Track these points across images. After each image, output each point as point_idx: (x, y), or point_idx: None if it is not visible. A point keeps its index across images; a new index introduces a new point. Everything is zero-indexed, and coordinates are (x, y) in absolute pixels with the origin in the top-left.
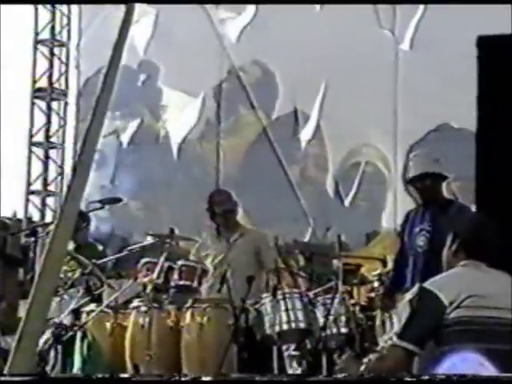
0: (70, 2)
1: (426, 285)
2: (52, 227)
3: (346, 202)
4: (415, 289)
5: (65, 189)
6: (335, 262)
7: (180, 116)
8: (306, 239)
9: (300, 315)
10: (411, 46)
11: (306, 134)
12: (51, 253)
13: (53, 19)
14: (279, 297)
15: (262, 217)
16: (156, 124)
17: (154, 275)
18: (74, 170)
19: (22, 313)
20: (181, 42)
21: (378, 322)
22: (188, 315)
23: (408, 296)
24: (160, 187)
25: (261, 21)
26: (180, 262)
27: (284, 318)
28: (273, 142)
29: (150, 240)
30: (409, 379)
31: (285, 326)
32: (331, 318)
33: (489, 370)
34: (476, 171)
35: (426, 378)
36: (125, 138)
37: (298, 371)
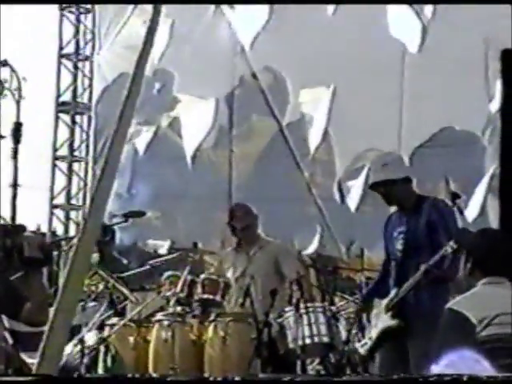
0: (72, 2)
1: (453, 306)
2: (75, 240)
3: (353, 208)
4: (392, 295)
5: (88, 202)
6: (358, 275)
7: (194, 124)
8: (316, 248)
9: (323, 329)
10: (419, 50)
11: (314, 139)
12: (74, 266)
13: (77, 33)
14: (302, 311)
15: (275, 227)
16: (171, 132)
17: (178, 289)
18: (98, 181)
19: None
20: (195, 49)
21: None
22: (211, 329)
23: (384, 302)
24: (176, 196)
25: (273, 27)
26: (203, 276)
27: (307, 332)
28: (289, 144)
29: (173, 253)
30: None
31: (308, 340)
32: (354, 332)
33: (485, 367)
34: (501, 170)
35: (427, 378)
36: (141, 146)
37: None
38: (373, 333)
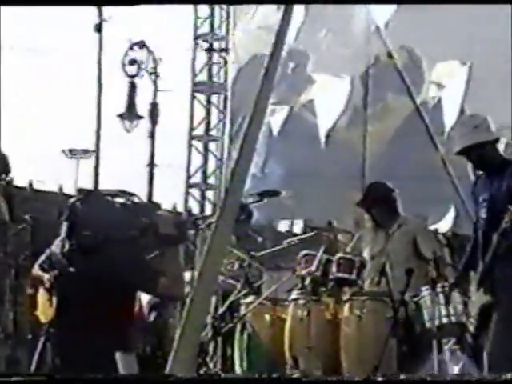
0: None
1: None
2: (213, 220)
3: None
4: (480, 268)
5: (224, 182)
6: None
7: (328, 103)
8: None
9: (459, 309)
10: None
11: (450, 117)
12: (213, 245)
13: (212, 14)
14: (438, 290)
15: (409, 205)
16: (305, 112)
17: (313, 268)
18: (236, 162)
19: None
20: (329, 29)
21: None
22: (347, 308)
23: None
24: (309, 175)
25: (408, 6)
26: (338, 255)
27: (443, 312)
28: (424, 122)
29: (308, 232)
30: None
31: (444, 320)
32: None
33: None
34: None
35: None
36: (275, 126)
37: (456, 369)
38: (473, 310)
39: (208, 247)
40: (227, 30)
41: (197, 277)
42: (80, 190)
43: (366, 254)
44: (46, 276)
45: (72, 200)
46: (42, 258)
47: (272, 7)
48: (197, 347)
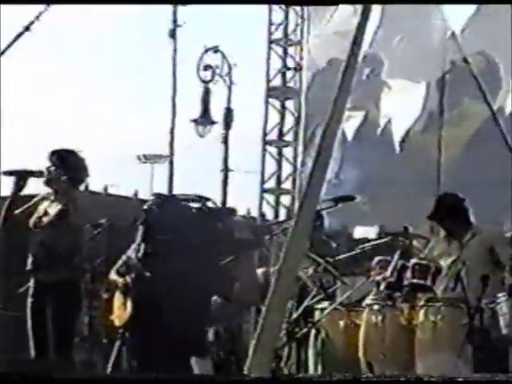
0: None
1: None
2: (289, 225)
3: None
4: None
5: (298, 187)
6: None
7: (403, 109)
8: None
9: None
10: None
11: None
12: (290, 251)
13: (286, 18)
14: None
15: (485, 211)
16: (379, 117)
17: (388, 273)
18: (313, 168)
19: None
20: (404, 34)
21: None
22: (422, 314)
23: None
24: (383, 181)
25: (484, 12)
26: (413, 261)
27: None
28: (500, 128)
29: (384, 238)
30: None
31: None
32: None
33: None
34: None
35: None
36: (349, 131)
37: None
38: None
39: (285, 252)
40: (302, 35)
41: (273, 282)
42: (155, 195)
43: (441, 262)
44: (121, 280)
45: (147, 204)
46: (119, 263)
47: (349, 12)
48: (273, 352)
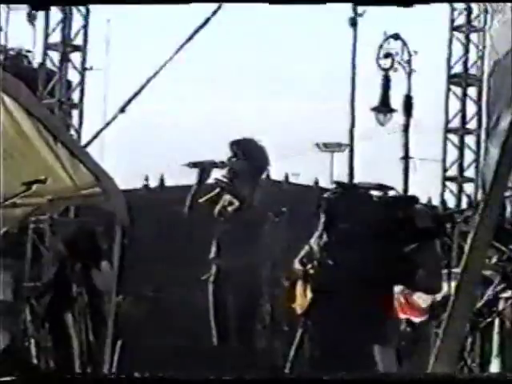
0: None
1: None
2: (477, 213)
3: None
4: None
5: (480, 176)
6: None
7: None
8: None
9: None
10: None
11: None
12: (477, 239)
13: (469, 3)
14: None
15: None
16: None
17: None
18: (500, 155)
19: None
20: None
21: None
22: None
23: None
24: None
25: None
26: None
27: None
28: None
29: None
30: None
31: None
32: None
33: None
34: None
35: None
36: None
37: None
38: None
39: (471, 241)
40: (485, 22)
41: (460, 271)
42: (337, 183)
43: None
44: (303, 268)
45: (329, 193)
46: (302, 253)
47: None
48: (460, 343)
